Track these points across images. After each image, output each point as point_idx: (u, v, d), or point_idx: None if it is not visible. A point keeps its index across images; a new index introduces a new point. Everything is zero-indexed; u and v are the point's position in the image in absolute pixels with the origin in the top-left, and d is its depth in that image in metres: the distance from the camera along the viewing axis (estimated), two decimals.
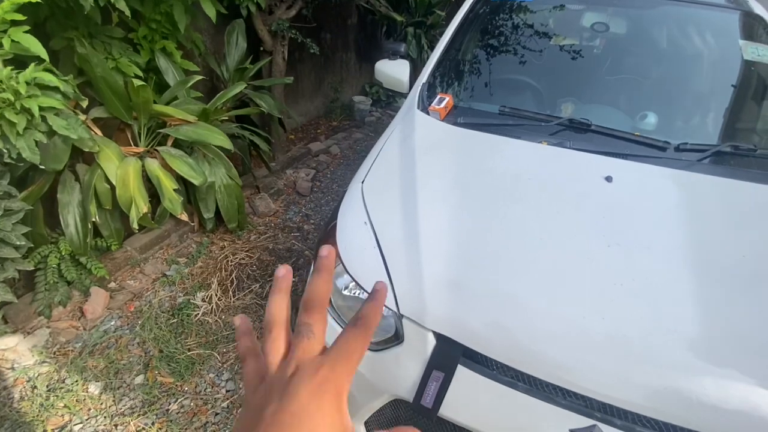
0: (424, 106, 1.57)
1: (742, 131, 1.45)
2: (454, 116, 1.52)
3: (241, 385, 1.70)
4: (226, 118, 2.58)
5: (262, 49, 3.28)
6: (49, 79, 1.18)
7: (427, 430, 0.98)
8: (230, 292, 2.12)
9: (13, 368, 1.64)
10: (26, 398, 1.54)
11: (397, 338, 0.98)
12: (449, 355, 0.92)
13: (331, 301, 1.10)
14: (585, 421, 0.83)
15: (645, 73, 1.62)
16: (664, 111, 1.48)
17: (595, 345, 0.86)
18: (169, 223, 2.41)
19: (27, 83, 1.14)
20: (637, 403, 0.81)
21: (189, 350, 1.79)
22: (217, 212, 2.39)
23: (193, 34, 2.54)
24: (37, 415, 1.49)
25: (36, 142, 1.25)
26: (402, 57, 1.95)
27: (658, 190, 1.19)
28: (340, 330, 0.99)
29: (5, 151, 1.17)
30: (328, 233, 1.17)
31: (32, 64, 1.17)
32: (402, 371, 0.95)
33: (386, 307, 0.99)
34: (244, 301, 2.10)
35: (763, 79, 1.53)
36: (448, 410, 0.91)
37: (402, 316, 0.97)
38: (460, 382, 0.91)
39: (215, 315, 1.99)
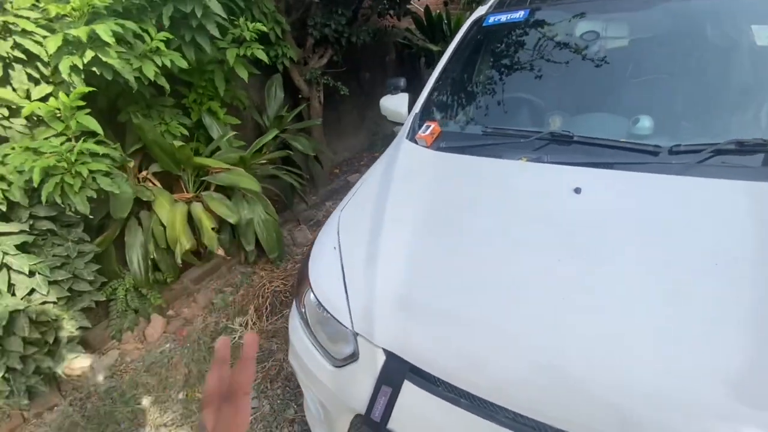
0: (413, 135, 1.66)
1: (753, 124, 1.30)
2: (439, 142, 1.59)
3: (264, 403, 1.85)
4: (265, 161, 2.90)
5: (300, 96, 3.65)
6: (96, 149, 1.52)
7: None
8: (264, 317, 2.33)
9: (88, 385, 1.98)
10: (97, 408, 1.85)
11: (354, 357, 1.05)
12: (397, 371, 0.97)
13: (308, 322, 1.21)
14: None
15: (639, 76, 1.54)
16: (660, 113, 1.39)
17: (532, 364, 0.85)
18: (220, 257, 2.74)
19: (82, 153, 1.48)
20: (572, 422, 0.78)
21: None
22: (259, 245, 2.66)
23: (237, 92, 2.93)
24: (100, 424, 1.78)
25: (93, 197, 1.59)
26: (402, 91, 2.07)
27: (632, 198, 1.12)
28: (317, 355, 1.09)
29: (67, 206, 1.52)
30: (305, 258, 1.30)
31: (82, 139, 1.52)
32: (357, 386, 1.01)
33: (342, 325, 1.07)
34: (275, 325, 2.29)
35: None
36: (396, 424, 0.94)
37: (356, 333, 1.04)
38: (406, 397, 0.94)
39: None
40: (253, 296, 2.50)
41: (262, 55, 2.42)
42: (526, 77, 1.73)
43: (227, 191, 2.51)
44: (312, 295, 1.16)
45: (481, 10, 2.09)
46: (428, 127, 1.64)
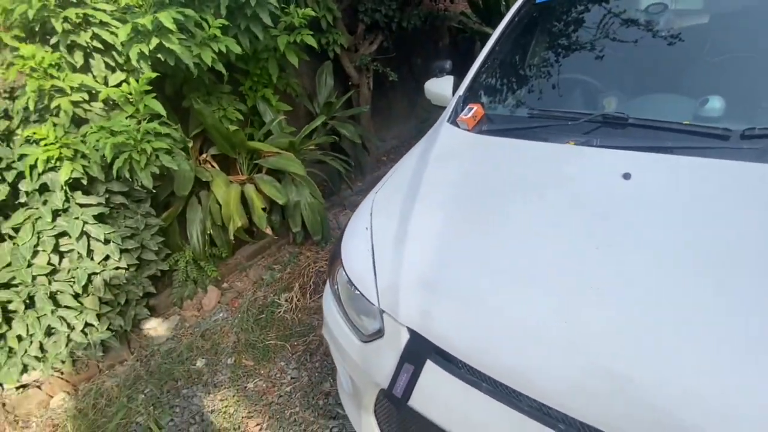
0: (454, 118, 1.63)
1: None
2: (481, 125, 1.54)
3: (303, 374, 1.95)
4: (314, 147, 3.00)
5: (350, 83, 3.69)
6: (159, 128, 1.66)
7: (408, 424, 1.04)
8: (308, 295, 2.44)
9: (153, 343, 2.21)
10: (159, 366, 2.06)
11: (380, 333, 1.07)
12: (420, 351, 0.97)
13: (339, 293, 1.25)
14: (543, 429, 0.79)
15: (710, 53, 1.36)
16: (733, 94, 1.23)
17: (553, 351, 0.81)
18: (270, 237, 2.90)
19: (147, 132, 1.63)
20: (597, 420, 0.74)
21: (268, 341, 2.13)
22: (305, 227, 2.78)
23: (290, 80, 3.04)
24: (161, 379, 1.99)
25: (157, 175, 1.74)
26: (448, 73, 2.02)
27: (689, 186, 1.01)
28: (347, 330, 1.13)
29: (135, 180, 1.69)
30: (339, 238, 1.34)
31: (146, 119, 1.68)
32: (382, 362, 1.04)
33: (369, 302, 1.09)
34: (317, 302, 2.38)
35: None
36: (416, 402, 0.96)
37: (382, 311, 1.06)
38: (428, 376, 0.95)
39: (293, 313, 2.32)
40: (298, 275, 2.62)
41: (311, 41, 2.48)
42: (581, 56, 1.62)
43: (277, 174, 2.64)
44: (343, 272, 1.19)
45: None
46: (471, 109, 1.60)
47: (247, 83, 2.72)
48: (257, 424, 1.74)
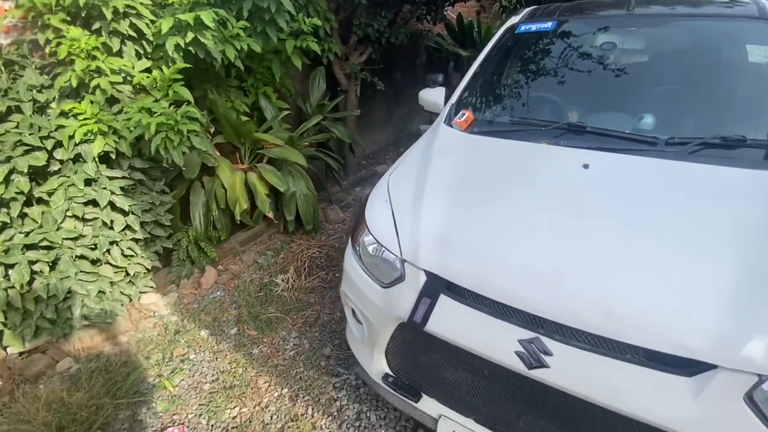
0: (449, 121, 1.97)
1: (737, 124, 1.56)
2: (472, 127, 1.89)
3: (305, 341, 2.16)
4: (307, 143, 3.24)
5: (339, 88, 3.98)
6: (194, 112, 1.86)
7: (423, 349, 1.32)
8: (303, 277, 2.65)
9: (154, 315, 2.32)
10: (161, 335, 2.19)
11: (400, 278, 1.35)
12: (435, 287, 1.27)
13: (362, 257, 1.52)
14: (531, 334, 1.11)
15: (647, 83, 1.81)
16: (659, 113, 1.66)
17: (540, 277, 1.14)
18: (263, 225, 3.08)
19: (182, 115, 1.82)
20: (572, 320, 1.06)
21: (269, 314, 2.33)
22: (297, 218, 2.99)
23: (286, 81, 3.27)
24: (168, 346, 2.12)
25: (183, 153, 1.92)
26: (440, 85, 2.37)
27: (628, 174, 1.40)
28: (369, 280, 1.40)
29: (166, 157, 1.86)
30: (362, 208, 1.61)
31: (184, 104, 1.86)
32: (403, 300, 1.31)
33: (392, 253, 1.38)
34: (312, 283, 2.61)
35: (765, 78, 1.63)
36: (433, 326, 1.24)
37: (404, 260, 1.35)
38: (441, 306, 1.24)
39: (290, 292, 2.52)
40: (292, 259, 2.83)
41: (315, 47, 2.76)
42: (549, 79, 2.02)
43: (275, 166, 2.85)
44: (369, 234, 1.46)
45: (514, 19, 2.39)
46: (463, 114, 1.94)
47: (250, 80, 2.93)
48: (266, 382, 1.93)
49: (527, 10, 2.47)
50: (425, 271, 1.30)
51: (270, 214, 2.66)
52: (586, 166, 1.45)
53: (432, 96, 2.30)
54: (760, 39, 1.73)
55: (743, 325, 0.95)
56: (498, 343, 1.14)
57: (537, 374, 1.08)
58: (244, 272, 2.72)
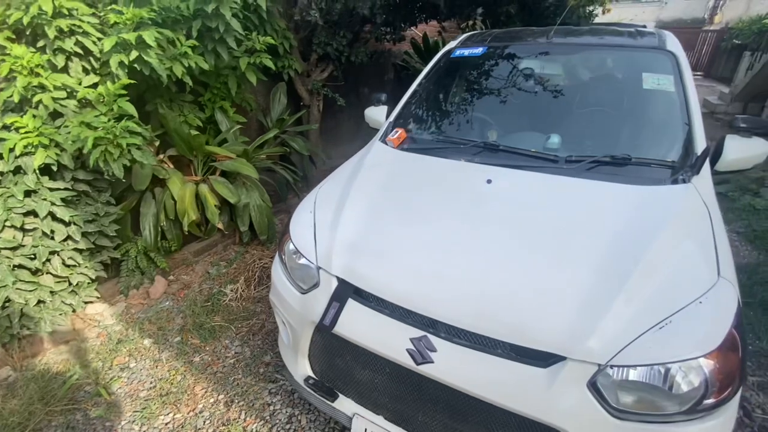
0: (384, 138, 2.10)
1: (628, 145, 1.74)
2: (403, 144, 2.02)
3: (246, 350, 2.22)
4: (264, 156, 3.33)
5: (302, 103, 4.11)
6: (134, 127, 1.94)
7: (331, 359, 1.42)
8: (252, 286, 2.72)
9: (98, 325, 2.35)
10: (104, 344, 2.21)
11: (316, 285, 1.46)
12: (344, 292, 1.37)
13: (286, 265, 1.61)
14: (420, 333, 1.22)
15: (557, 105, 1.99)
16: (566, 133, 1.84)
17: (428, 280, 1.26)
18: (218, 236, 3.14)
19: (122, 129, 1.90)
20: (454, 319, 1.18)
21: (214, 323, 2.38)
22: (252, 228, 3.07)
23: (246, 96, 3.38)
24: (108, 355, 2.15)
25: (125, 166, 2.00)
26: (383, 104, 2.52)
27: (526, 187, 1.55)
28: (290, 287, 1.50)
29: (106, 170, 1.93)
30: (288, 220, 1.71)
31: (125, 119, 1.95)
32: (316, 304, 1.41)
33: (309, 261, 1.48)
34: (261, 293, 2.67)
35: (655, 103, 1.82)
36: (340, 328, 1.34)
37: (319, 267, 1.45)
38: (349, 309, 1.35)
39: (238, 302, 2.58)
40: (244, 269, 2.89)
41: (269, 64, 2.87)
42: (475, 100, 2.19)
43: (230, 178, 2.93)
44: (291, 244, 1.57)
45: (452, 44, 2.57)
46: (396, 132, 2.09)
47: (206, 95, 3.03)
48: (203, 388, 1.98)
49: (464, 35, 2.66)
50: (336, 277, 1.40)
51: (220, 225, 2.73)
52: (489, 182, 1.60)
53: (375, 114, 2.44)
54: (654, 68, 1.94)
55: (588, 321, 1.08)
56: (393, 342, 1.25)
57: (424, 369, 1.19)
58: (195, 282, 2.77)
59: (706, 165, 1.64)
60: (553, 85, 2.11)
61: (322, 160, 4.21)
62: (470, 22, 4.72)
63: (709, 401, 1.01)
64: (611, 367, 1.04)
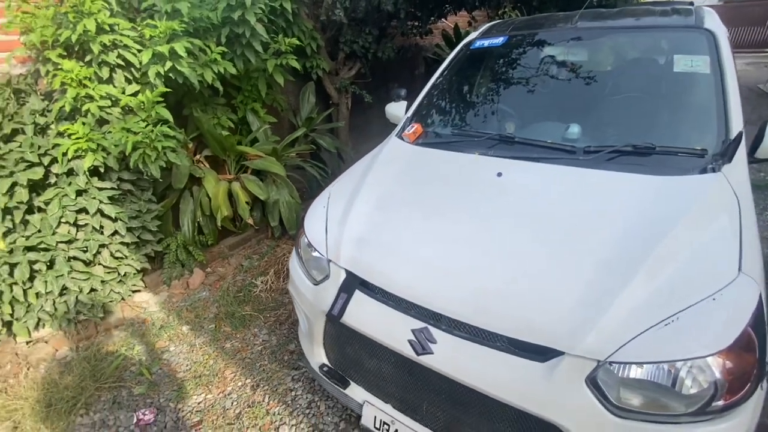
0: (400, 134, 2.13)
1: (653, 133, 1.64)
2: (419, 139, 2.04)
3: (273, 338, 2.35)
4: (294, 154, 3.47)
5: (331, 102, 4.21)
6: (168, 131, 2.10)
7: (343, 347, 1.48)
8: (281, 279, 2.85)
9: (144, 312, 2.58)
10: (148, 329, 2.43)
11: (327, 276, 1.52)
12: (351, 283, 1.42)
13: (301, 255, 1.69)
14: (421, 324, 1.25)
15: (579, 93, 1.91)
16: (587, 123, 1.76)
17: (431, 273, 1.28)
18: (252, 231, 3.32)
19: (158, 134, 2.07)
20: (454, 311, 1.20)
21: (245, 312, 2.53)
22: (282, 223, 3.21)
23: (277, 96, 3.52)
24: (151, 339, 2.36)
25: (161, 167, 2.17)
26: (403, 99, 2.54)
27: (536, 180, 1.52)
28: (305, 278, 1.58)
29: (145, 171, 2.11)
30: (303, 216, 1.79)
31: (160, 124, 2.12)
32: (326, 295, 1.48)
33: (320, 253, 1.54)
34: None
35: (686, 87, 1.70)
36: (347, 318, 1.40)
37: (329, 260, 1.51)
38: (356, 300, 1.40)
39: (267, 293, 2.73)
40: (274, 262, 3.04)
41: (295, 64, 2.98)
42: (494, 92, 2.15)
43: (261, 176, 3.09)
44: (305, 237, 1.64)
45: (473, 35, 2.53)
46: (412, 127, 2.10)
47: (239, 97, 3.19)
48: (232, 372, 2.12)
49: (487, 26, 2.61)
50: (345, 269, 1.46)
51: (250, 221, 2.89)
52: (499, 175, 1.58)
53: (395, 110, 2.47)
54: (688, 48, 1.81)
55: (589, 316, 1.06)
56: (396, 333, 1.28)
57: (424, 360, 1.22)
58: (229, 274, 2.95)
59: (742, 153, 1.52)
60: (575, 73, 2.03)
61: (350, 156, 4.29)
62: (501, 12, 4.58)
63: (719, 403, 0.96)
64: (611, 363, 1.01)
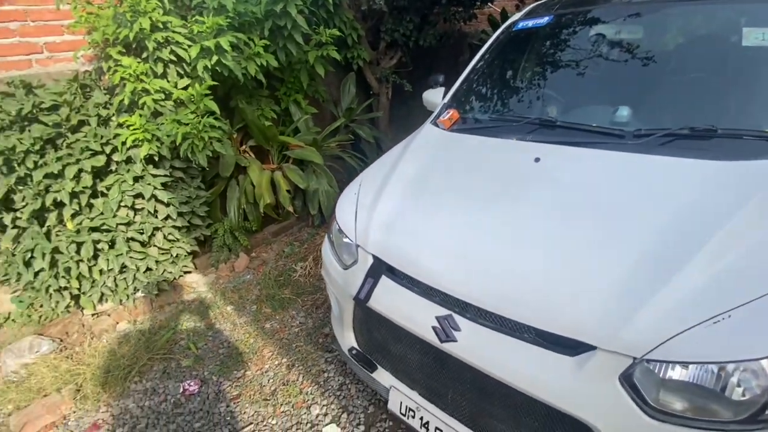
0: (436, 120, 2.09)
1: (715, 114, 1.46)
2: (454, 125, 1.99)
3: (309, 321, 2.43)
4: (334, 144, 3.53)
5: (371, 92, 4.22)
6: (214, 122, 2.22)
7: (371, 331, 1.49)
8: (319, 265, 2.93)
9: (193, 291, 2.76)
10: (196, 308, 2.61)
11: (356, 261, 1.54)
12: (378, 269, 1.43)
13: (333, 240, 1.73)
14: (446, 311, 1.23)
15: (630, 74, 1.75)
16: (639, 105, 1.62)
17: (457, 260, 1.25)
18: (293, 219, 3.44)
19: (205, 125, 2.19)
20: (478, 299, 1.17)
21: (284, 296, 2.64)
22: (322, 212, 3.29)
23: (319, 88, 3.59)
24: (199, 317, 2.53)
25: (208, 156, 2.30)
26: (441, 86, 2.48)
27: (577, 166, 1.42)
28: (335, 262, 1.61)
29: (193, 160, 2.25)
30: (335, 202, 1.82)
31: (206, 115, 2.24)
32: (355, 279, 1.50)
33: (349, 239, 1.56)
34: None
35: (757, 62, 1.50)
36: (374, 302, 1.41)
37: (357, 245, 1.53)
38: (382, 285, 1.41)
39: (306, 278, 2.82)
40: (313, 249, 3.13)
41: (336, 55, 3.02)
42: (536, 75, 2.04)
43: (302, 166, 3.18)
44: (336, 223, 1.67)
45: (516, 16, 2.41)
46: (448, 113, 2.05)
47: (282, 89, 3.29)
48: (270, 351, 2.23)
49: (532, 5, 2.47)
50: (372, 254, 1.47)
51: (290, 208, 2.99)
52: (537, 160, 1.50)
53: (432, 96, 2.43)
54: (763, 20, 1.60)
55: (625, 310, 0.98)
56: (420, 319, 1.27)
57: (447, 347, 1.20)
58: (272, 259, 3.08)
59: None
60: (627, 52, 1.87)
61: (388, 146, 4.28)
62: None
63: None
64: (648, 361, 0.93)
